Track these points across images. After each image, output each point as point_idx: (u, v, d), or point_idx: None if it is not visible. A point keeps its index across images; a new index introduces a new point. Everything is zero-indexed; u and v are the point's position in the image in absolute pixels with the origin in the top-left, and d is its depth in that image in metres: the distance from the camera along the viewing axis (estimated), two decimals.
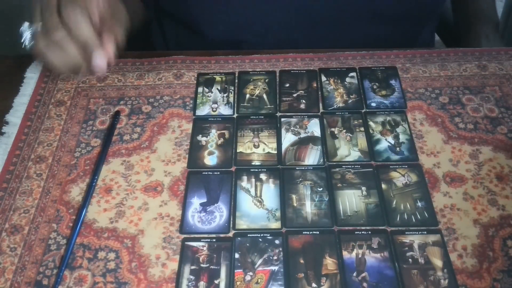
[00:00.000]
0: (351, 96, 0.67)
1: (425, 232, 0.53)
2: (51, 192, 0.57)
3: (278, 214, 0.55)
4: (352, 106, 0.66)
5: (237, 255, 0.52)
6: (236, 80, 0.69)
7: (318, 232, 0.53)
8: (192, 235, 0.53)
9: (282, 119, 0.64)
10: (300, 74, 0.70)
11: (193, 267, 0.51)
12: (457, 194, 0.56)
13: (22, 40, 0.61)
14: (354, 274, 0.50)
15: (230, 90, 0.68)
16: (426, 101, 0.66)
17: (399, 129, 0.63)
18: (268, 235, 0.53)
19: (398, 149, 0.61)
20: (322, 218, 0.54)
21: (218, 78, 0.69)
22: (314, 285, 0.49)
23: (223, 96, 0.67)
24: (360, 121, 0.64)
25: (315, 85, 0.68)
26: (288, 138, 0.62)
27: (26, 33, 0.61)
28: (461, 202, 0.56)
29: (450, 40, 0.97)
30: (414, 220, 0.54)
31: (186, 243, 0.53)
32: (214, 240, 0.53)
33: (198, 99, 0.67)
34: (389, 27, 0.78)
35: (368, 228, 0.53)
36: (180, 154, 0.61)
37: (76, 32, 0.57)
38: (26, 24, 0.61)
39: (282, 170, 0.59)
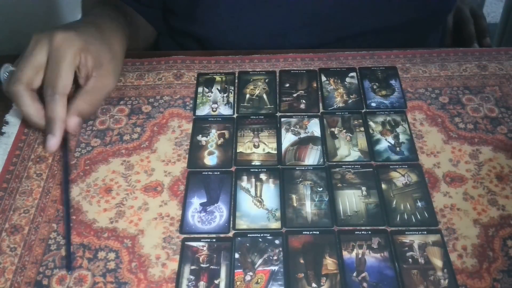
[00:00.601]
0: (351, 96, 0.67)
1: (425, 232, 0.53)
2: (51, 192, 0.57)
3: (278, 214, 0.55)
4: (352, 106, 0.66)
5: (237, 255, 0.52)
6: (236, 80, 0.69)
7: (318, 232, 0.53)
8: (192, 235, 0.53)
9: (282, 119, 0.64)
10: (300, 74, 0.70)
11: (193, 267, 0.51)
12: (457, 194, 0.56)
13: None
14: (354, 274, 0.50)
15: (230, 90, 0.68)
16: (426, 101, 0.66)
17: (399, 129, 0.63)
18: (268, 235, 0.53)
19: (398, 149, 0.61)
20: (322, 218, 0.54)
21: (218, 78, 0.69)
22: (314, 285, 0.49)
23: (223, 96, 0.67)
24: (360, 121, 0.64)
25: (315, 85, 0.68)
26: (288, 138, 0.62)
27: (3, 73, 0.61)
28: (461, 202, 0.56)
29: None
30: (414, 220, 0.54)
31: (186, 243, 0.53)
32: (214, 240, 0.53)
33: (198, 99, 0.67)
34: (397, 35, 0.78)
35: (368, 228, 0.53)
36: (180, 154, 0.61)
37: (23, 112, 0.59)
38: (6, 65, 0.61)
39: (282, 170, 0.59)
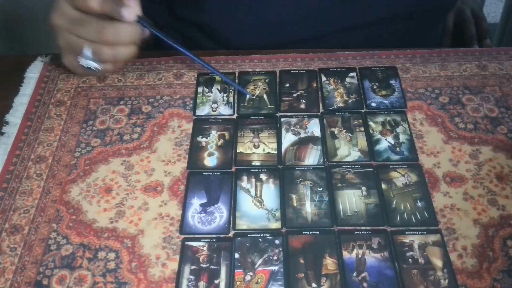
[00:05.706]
0: (351, 96, 0.67)
1: (425, 232, 0.53)
2: (51, 192, 0.57)
3: (278, 214, 0.55)
4: (352, 106, 0.66)
5: (237, 255, 0.52)
6: (236, 80, 0.69)
7: (318, 232, 0.53)
8: (192, 235, 0.53)
9: (282, 119, 0.64)
10: (300, 74, 0.70)
11: (193, 267, 0.51)
12: (457, 194, 0.56)
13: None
14: (354, 274, 0.50)
15: (230, 90, 0.68)
16: (426, 101, 0.66)
17: (399, 129, 0.63)
18: (268, 235, 0.53)
19: (398, 149, 0.61)
20: (322, 218, 0.54)
21: (218, 78, 0.69)
22: (314, 285, 0.49)
23: (223, 96, 0.67)
24: (360, 121, 0.64)
25: (315, 85, 0.68)
26: (288, 138, 0.62)
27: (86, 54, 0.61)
28: (461, 202, 0.56)
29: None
30: (414, 220, 0.54)
31: (186, 243, 0.53)
32: (214, 240, 0.53)
33: (198, 99, 0.67)
34: (404, 25, 0.78)
35: (368, 228, 0.53)
36: (180, 154, 0.61)
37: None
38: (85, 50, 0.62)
39: (282, 170, 0.59)
